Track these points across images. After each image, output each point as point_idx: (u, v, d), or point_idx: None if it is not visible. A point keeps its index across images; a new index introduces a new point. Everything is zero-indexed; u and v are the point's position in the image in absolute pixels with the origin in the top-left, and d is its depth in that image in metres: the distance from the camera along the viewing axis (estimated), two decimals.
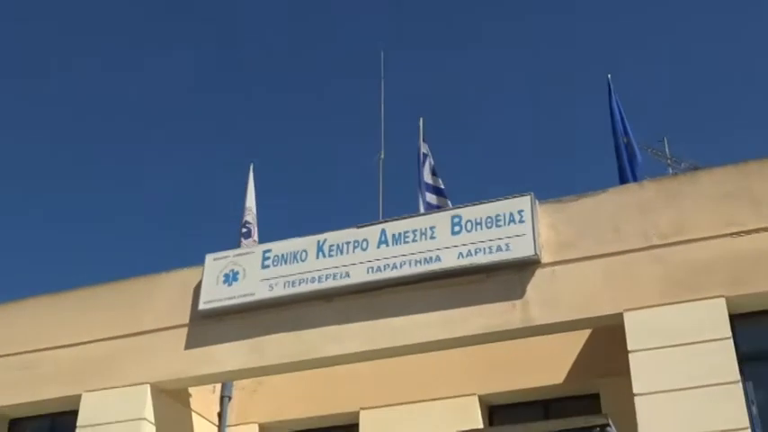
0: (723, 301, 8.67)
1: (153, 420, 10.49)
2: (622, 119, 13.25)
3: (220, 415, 11.91)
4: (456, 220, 9.92)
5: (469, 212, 9.91)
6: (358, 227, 10.36)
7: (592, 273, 9.30)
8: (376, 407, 11.23)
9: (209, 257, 10.87)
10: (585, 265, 9.36)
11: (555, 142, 31.05)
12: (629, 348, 8.78)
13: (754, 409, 8.39)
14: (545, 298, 9.33)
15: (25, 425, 11.57)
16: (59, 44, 33.89)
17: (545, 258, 9.48)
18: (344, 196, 30.09)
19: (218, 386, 11.92)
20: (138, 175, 33.76)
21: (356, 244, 10.20)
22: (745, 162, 9.45)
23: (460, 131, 30.86)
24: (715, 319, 8.61)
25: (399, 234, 10.06)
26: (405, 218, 10.32)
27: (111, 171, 33.32)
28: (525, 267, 9.49)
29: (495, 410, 11.11)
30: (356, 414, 11.34)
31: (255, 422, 11.99)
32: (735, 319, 8.67)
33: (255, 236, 13.43)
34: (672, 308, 8.80)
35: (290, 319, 10.20)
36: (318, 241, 10.39)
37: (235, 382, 11.91)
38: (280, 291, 10.29)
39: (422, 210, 13.46)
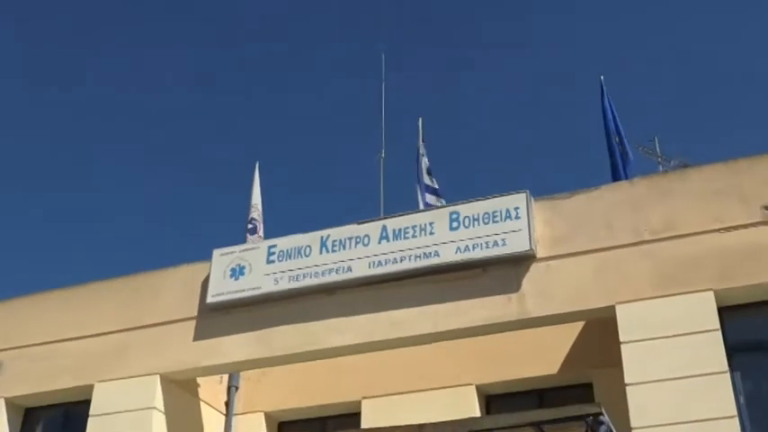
0: (712, 294, 8.66)
1: (162, 409, 10.49)
2: (614, 118, 13.22)
3: (227, 404, 11.91)
4: (454, 216, 9.91)
5: (467, 209, 9.90)
6: (359, 223, 10.36)
7: (585, 267, 9.29)
8: (377, 396, 11.22)
9: (216, 253, 10.87)
10: (579, 259, 9.35)
11: (550, 141, 31.04)
12: (620, 340, 8.77)
13: (741, 398, 8.38)
14: (540, 291, 9.32)
15: (40, 414, 11.58)
16: (59, 44, 33.73)
17: (540, 253, 9.47)
18: (346, 194, 30.05)
19: (226, 376, 11.92)
20: (139, 176, 33.62)
21: (358, 239, 10.19)
22: (734, 160, 9.43)
23: (460, 130, 30.83)
24: (704, 311, 8.60)
25: (399, 230, 10.06)
26: (405, 214, 10.31)
27: (113, 171, 33.22)
28: (521, 262, 9.48)
29: (492, 400, 11.10)
30: (358, 403, 11.34)
31: (261, 411, 11.99)
32: (723, 311, 8.66)
33: (261, 232, 13.41)
34: (662, 301, 8.79)
35: (294, 312, 10.20)
36: (322, 237, 10.38)
37: (241, 373, 11.91)
38: (284, 284, 10.29)
39: (421, 207, 13.45)
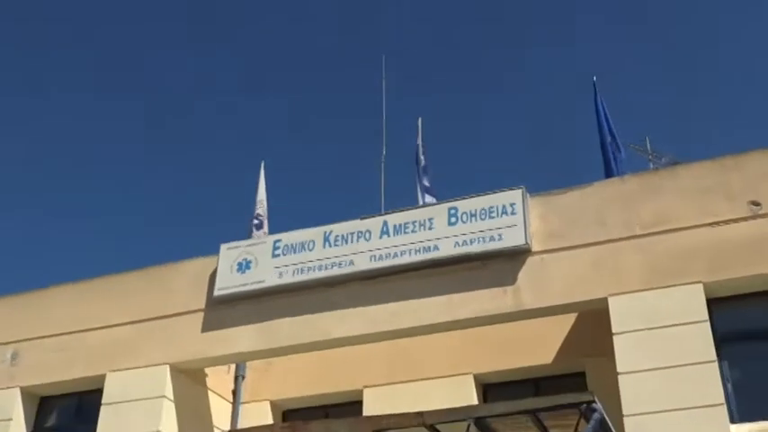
0: (701, 286, 8.66)
1: (172, 398, 10.51)
2: (606, 117, 13.21)
3: (234, 393, 11.92)
4: (453, 211, 9.91)
5: (465, 205, 9.90)
6: (362, 218, 10.36)
7: (579, 260, 9.29)
8: (379, 385, 11.22)
9: (223, 247, 10.88)
10: (573, 253, 9.36)
11: (546, 139, 30.96)
12: (613, 331, 8.77)
13: (729, 386, 8.39)
14: (535, 284, 9.32)
15: (54, 402, 11.60)
16: (60, 44, 33.60)
17: (535, 247, 9.48)
18: (348, 192, 29.99)
19: (233, 366, 11.93)
20: (143, 176, 33.50)
21: (360, 234, 10.19)
22: (722, 157, 9.43)
23: (459, 129, 30.75)
24: (693, 303, 8.60)
25: (400, 225, 10.06)
26: (405, 210, 10.31)
27: (117, 172, 33.12)
28: (517, 256, 9.48)
29: (489, 388, 11.10)
30: (360, 392, 11.35)
31: (267, 399, 11.99)
32: (711, 303, 8.66)
33: (266, 227, 13.40)
34: (653, 293, 8.79)
35: (298, 304, 10.20)
36: (325, 232, 10.39)
37: (248, 363, 11.91)
38: (289, 278, 10.29)
39: (420, 203, 13.43)
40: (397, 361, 11.23)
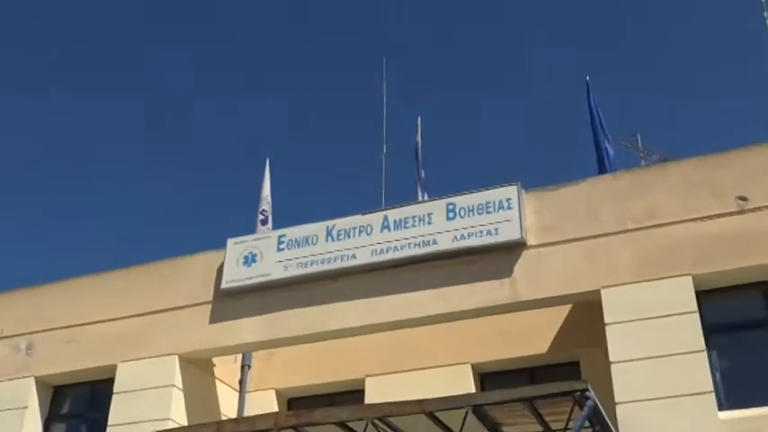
0: (690, 278, 8.67)
1: (181, 387, 10.53)
2: (599, 115, 13.22)
3: (241, 382, 11.94)
4: (451, 207, 9.91)
5: (463, 200, 9.90)
6: (363, 214, 10.36)
7: (572, 254, 9.30)
8: (380, 374, 11.25)
9: (230, 242, 10.88)
10: (566, 246, 9.36)
11: (543, 138, 30.94)
12: (605, 321, 8.79)
13: (717, 375, 8.41)
14: (530, 276, 9.33)
15: (67, 391, 11.63)
16: (60, 44, 33.44)
17: (530, 241, 9.48)
18: (350, 188, 29.98)
19: (239, 356, 11.95)
20: (140, 176, 33.44)
21: (362, 229, 10.20)
22: (711, 154, 9.43)
23: (458, 129, 30.73)
24: (682, 294, 8.61)
25: (400, 220, 10.07)
26: (405, 205, 10.31)
27: (120, 171, 33.05)
28: (513, 249, 9.49)
29: (486, 377, 11.12)
30: (362, 381, 11.37)
31: (272, 388, 12.03)
32: (700, 294, 8.67)
33: (271, 222, 13.41)
34: (644, 285, 8.80)
35: (302, 297, 10.22)
36: (328, 227, 10.39)
37: (253, 353, 11.94)
38: (293, 271, 10.30)
39: (420, 198, 13.44)
40: (398, 351, 11.25)
